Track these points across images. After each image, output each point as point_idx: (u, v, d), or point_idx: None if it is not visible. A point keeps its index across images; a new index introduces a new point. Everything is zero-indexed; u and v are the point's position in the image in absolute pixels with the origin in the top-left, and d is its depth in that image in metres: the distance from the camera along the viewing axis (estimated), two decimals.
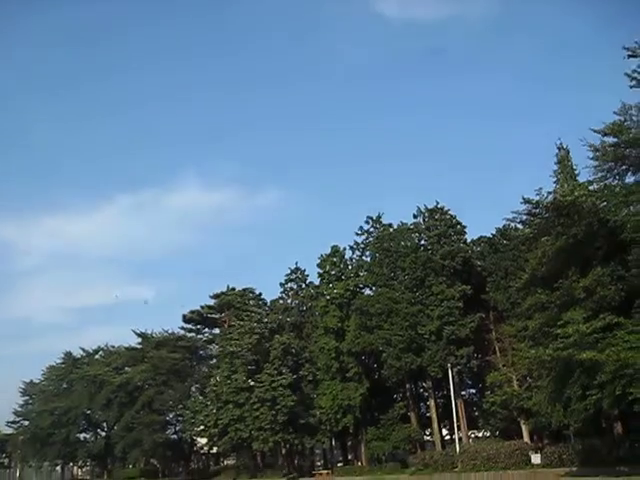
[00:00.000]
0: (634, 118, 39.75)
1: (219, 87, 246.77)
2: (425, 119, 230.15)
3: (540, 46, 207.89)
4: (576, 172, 49.09)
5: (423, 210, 69.67)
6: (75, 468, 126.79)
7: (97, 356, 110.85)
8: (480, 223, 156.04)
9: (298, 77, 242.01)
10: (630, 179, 42.00)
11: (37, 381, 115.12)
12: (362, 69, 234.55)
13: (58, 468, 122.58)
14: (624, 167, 41.44)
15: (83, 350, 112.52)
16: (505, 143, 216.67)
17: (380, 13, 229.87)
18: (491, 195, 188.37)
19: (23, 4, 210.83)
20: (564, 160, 49.29)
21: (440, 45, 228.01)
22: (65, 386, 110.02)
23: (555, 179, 49.15)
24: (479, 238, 70.14)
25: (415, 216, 70.24)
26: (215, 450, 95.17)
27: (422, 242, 69.07)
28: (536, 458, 54.11)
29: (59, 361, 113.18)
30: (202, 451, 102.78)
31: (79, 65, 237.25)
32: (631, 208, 40.56)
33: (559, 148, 49.87)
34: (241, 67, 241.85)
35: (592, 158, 42.20)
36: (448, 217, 68.38)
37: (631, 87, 37.77)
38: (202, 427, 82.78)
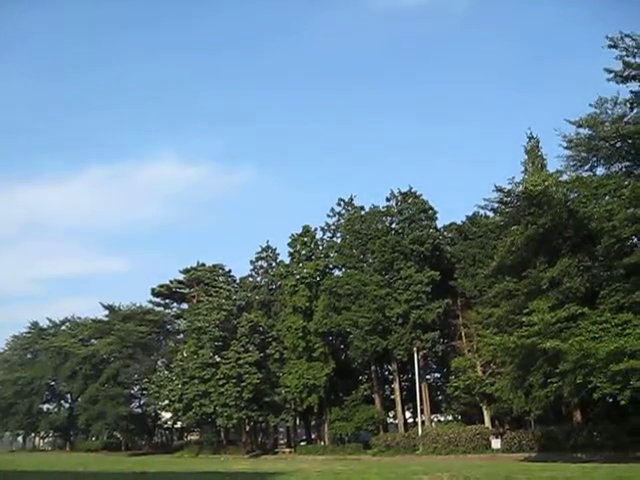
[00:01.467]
0: (609, 112, 40.00)
1: (203, 69, 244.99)
2: (404, 108, 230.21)
3: (519, 39, 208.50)
4: (545, 162, 49.42)
5: (396, 194, 69.83)
6: (37, 439, 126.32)
7: (64, 327, 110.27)
8: (451, 210, 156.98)
9: (284, 66, 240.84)
10: (601, 171, 42.43)
11: (1, 350, 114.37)
12: (343, 57, 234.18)
13: (20, 438, 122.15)
14: (596, 159, 41.78)
15: (50, 321, 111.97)
16: (481, 134, 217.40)
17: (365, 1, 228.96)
18: (463, 184, 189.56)
19: None
20: (534, 150, 49.55)
21: (424, 34, 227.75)
22: (30, 356, 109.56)
23: (524, 169, 49.44)
24: (450, 224, 70.52)
25: (388, 199, 70.43)
26: (179, 425, 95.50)
27: (393, 225, 69.26)
28: (496, 443, 54.90)
29: (24, 331, 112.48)
30: (166, 425, 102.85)
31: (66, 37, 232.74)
32: (600, 200, 40.95)
33: (529, 138, 50.11)
34: (230, 57, 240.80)
35: (566, 148, 42.49)
36: (420, 202, 68.60)
37: (608, 80, 37.96)
38: (167, 402, 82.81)
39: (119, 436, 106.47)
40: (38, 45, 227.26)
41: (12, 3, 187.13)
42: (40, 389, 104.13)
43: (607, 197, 40.51)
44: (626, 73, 37.17)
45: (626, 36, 36.02)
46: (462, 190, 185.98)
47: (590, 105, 40.60)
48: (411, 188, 69.46)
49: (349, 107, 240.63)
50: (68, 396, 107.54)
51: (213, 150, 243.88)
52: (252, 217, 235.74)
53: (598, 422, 48.35)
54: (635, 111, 38.59)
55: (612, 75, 37.78)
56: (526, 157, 50.71)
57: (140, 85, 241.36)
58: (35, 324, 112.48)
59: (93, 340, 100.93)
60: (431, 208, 68.80)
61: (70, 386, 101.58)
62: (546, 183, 41.78)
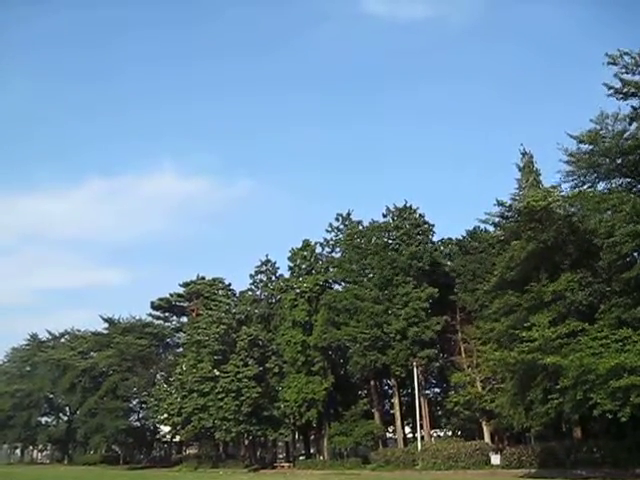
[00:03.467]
0: (610, 127, 40.14)
1: (201, 82, 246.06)
2: (403, 122, 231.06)
3: (521, 51, 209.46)
4: (539, 178, 49.52)
5: (392, 209, 69.89)
6: (35, 452, 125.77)
7: (63, 340, 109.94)
8: (450, 225, 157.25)
9: (282, 75, 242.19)
10: (602, 187, 42.51)
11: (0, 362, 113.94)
12: (342, 69, 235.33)
13: (17, 451, 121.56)
14: (596, 175, 41.89)
15: (49, 333, 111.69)
16: (482, 147, 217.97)
17: (367, 12, 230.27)
18: (463, 198, 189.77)
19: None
20: (528, 166, 49.70)
21: (422, 46, 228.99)
22: (28, 369, 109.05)
23: (518, 185, 49.56)
24: (448, 239, 70.59)
25: (384, 215, 70.50)
26: (178, 439, 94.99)
27: (390, 241, 69.19)
28: (496, 459, 54.66)
29: (24, 343, 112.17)
30: (164, 439, 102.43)
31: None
32: (602, 216, 40.98)
33: (523, 154, 50.27)
34: (229, 69, 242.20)
35: (566, 162, 42.60)
36: (416, 216, 68.64)
37: (608, 96, 38.15)
38: (166, 415, 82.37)
39: (117, 449, 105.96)
40: (38, 55, 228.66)
41: (13, 12, 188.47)
42: (38, 402, 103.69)
43: (608, 213, 40.53)
44: (625, 90, 37.34)
45: (625, 54, 36.24)
46: (462, 204, 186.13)
47: (591, 120, 40.81)
48: (407, 203, 69.55)
49: (348, 118, 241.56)
50: (67, 409, 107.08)
51: (211, 163, 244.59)
52: (252, 230, 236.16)
53: (598, 439, 48.19)
54: (635, 127, 38.70)
55: (612, 91, 37.97)
56: (520, 173, 50.82)
57: (138, 98, 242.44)
58: (34, 336, 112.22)
59: (92, 353, 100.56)
60: (426, 223, 68.82)
61: (69, 399, 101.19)
62: (549, 199, 41.85)
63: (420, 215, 68.69)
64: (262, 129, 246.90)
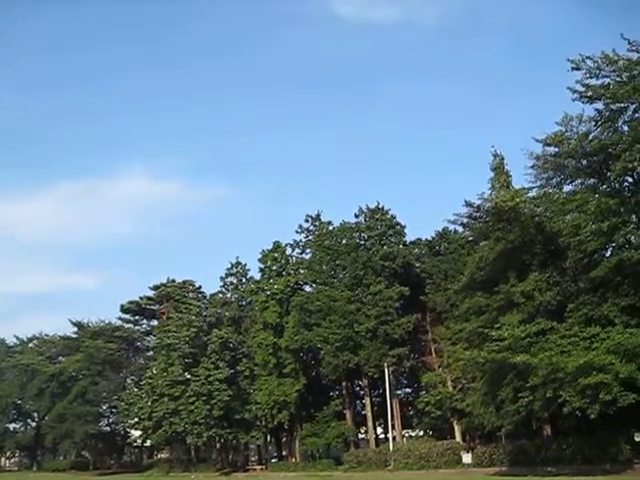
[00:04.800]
0: (574, 129, 40.69)
1: (172, 85, 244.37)
2: (372, 123, 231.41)
3: (493, 51, 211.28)
4: (510, 179, 49.93)
5: (364, 210, 70.08)
6: (2, 459, 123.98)
7: (31, 345, 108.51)
8: (420, 226, 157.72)
9: (252, 78, 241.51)
10: (567, 188, 43.06)
11: None
12: (316, 71, 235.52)
13: None
14: (562, 176, 42.43)
15: (17, 338, 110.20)
16: (451, 147, 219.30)
17: (336, 14, 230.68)
18: (433, 199, 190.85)
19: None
20: (499, 167, 50.06)
21: (393, 47, 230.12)
22: None
23: (491, 185, 49.91)
24: (418, 240, 70.88)
25: (357, 215, 70.61)
26: (149, 443, 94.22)
27: (362, 242, 69.38)
28: (467, 457, 54.99)
29: None
30: (135, 444, 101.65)
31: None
32: (568, 216, 41.58)
33: (494, 155, 50.62)
34: (199, 72, 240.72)
35: (532, 167, 43.12)
36: (388, 217, 68.93)
37: (573, 100, 38.64)
38: (136, 419, 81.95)
39: (87, 455, 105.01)
40: (5, 58, 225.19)
41: None
42: (6, 408, 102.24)
43: (573, 213, 41.10)
44: (589, 94, 37.87)
45: (587, 58, 36.75)
46: (430, 204, 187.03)
47: (556, 123, 41.30)
48: (379, 204, 69.79)
49: (318, 120, 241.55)
50: (35, 414, 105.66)
51: (183, 165, 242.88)
52: (222, 233, 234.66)
53: (568, 436, 48.72)
54: (599, 129, 39.26)
55: (577, 95, 38.48)
56: (492, 174, 51.19)
57: (108, 101, 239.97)
58: (2, 341, 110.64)
59: (61, 357, 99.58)
60: (399, 224, 69.16)
61: (37, 404, 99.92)
62: (517, 200, 42.33)
63: (392, 216, 68.97)
64: (233, 132, 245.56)
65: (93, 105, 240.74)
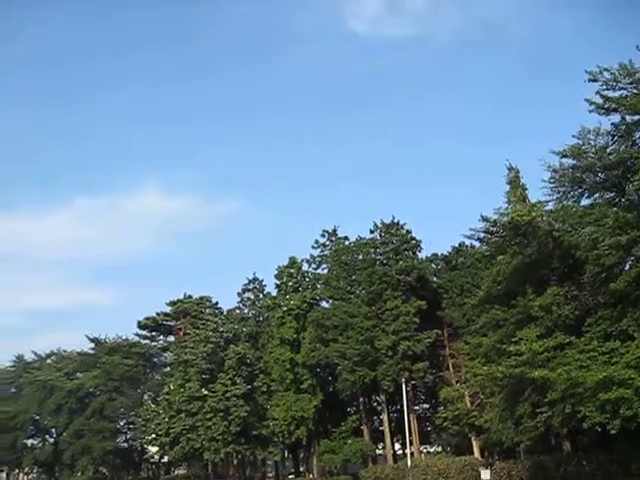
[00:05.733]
0: (592, 142, 40.48)
1: (189, 101, 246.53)
2: (389, 139, 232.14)
3: (509, 66, 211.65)
4: (526, 192, 49.81)
5: (380, 225, 70.18)
6: (21, 475, 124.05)
7: (49, 360, 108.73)
8: (438, 241, 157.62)
9: (268, 94, 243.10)
10: (585, 201, 42.81)
11: None
12: (331, 87, 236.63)
13: (3, 475, 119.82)
14: (580, 190, 42.19)
15: (35, 354, 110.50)
16: (467, 162, 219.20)
17: (351, 30, 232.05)
18: (450, 214, 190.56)
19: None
20: (515, 181, 49.98)
21: (408, 63, 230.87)
22: (14, 390, 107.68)
23: (507, 199, 49.79)
24: (435, 255, 70.87)
25: (372, 231, 70.81)
26: (166, 459, 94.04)
27: (378, 257, 69.40)
28: (486, 474, 54.50)
29: (9, 364, 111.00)
30: (152, 460, 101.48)
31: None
32: (586, 230, 41.34)
33: (509, 169, 50.58)
34: (214, 87, 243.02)
35: (549, 180, 42.89)
36: (404, 232, 69.00)
37: (590, 112, 38.47)
38: (153, 436, 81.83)
39: (105, 471, 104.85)
40: (19, 76, 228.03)
41: None
42: (24, 424, 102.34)
43: (591, 226, 40.87)
44: (606, 105, 37.72)
45: (605, 70, 36.61)
46: (447, 220, 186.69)
47: (573, 136, 41.10)
48: (394, 219, 69.94)
49: (335, 136, 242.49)
50: (53, 430, 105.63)
51: (198, 181, 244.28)
52: (239, 248, 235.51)
53: (587, 452, 48.23)
54: (616, 142, 39.07)
55: (593, 107, 38.33)
56: (508, 188, 51.10)
57: (124, 117, 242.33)
58: (20, 357, 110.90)
59: (79, 373, 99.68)
60: (414, 239, 69.25)
61: (55, 420, 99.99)
62: (533, 214, 42.16)
63: (407, 231, 69.08)
64: (250, 146, 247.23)
65: (110, 120, 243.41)
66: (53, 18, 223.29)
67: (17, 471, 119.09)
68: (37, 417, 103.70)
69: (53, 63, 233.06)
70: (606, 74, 36.48)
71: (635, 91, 36.35)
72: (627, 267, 40.27)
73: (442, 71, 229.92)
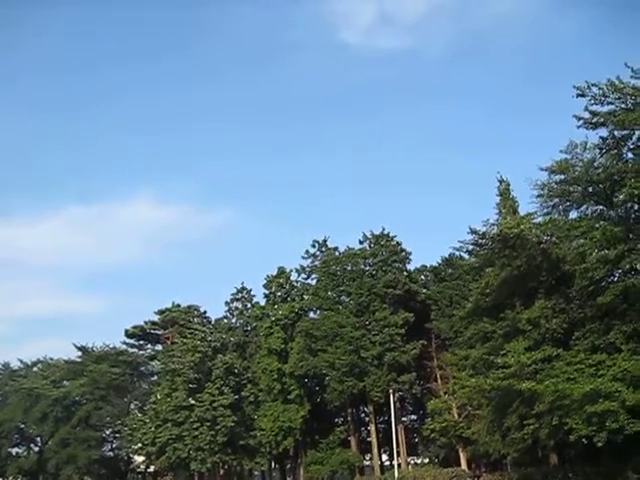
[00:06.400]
0: (579, 156, 40.81)
1: (180, 110, 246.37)
2: (380, 149, 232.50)
3: (499, 78, 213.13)
4: (517, 205, 50.13)
5: (369, 236, 70.33)
6: None
7: (35, 368, 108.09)
8: (428, 253, 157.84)
9: (259, 103, 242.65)
10: (573, 214, 43.09)
11: None
12: (324, 98, 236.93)
13: None
14: (568, 203, 42.48)
15: (21, 362, 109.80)
16: (459, 174, 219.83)
17: (343, 41, 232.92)
18: (441, 226, 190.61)
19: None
20: (505, 193, 50.30)
21: (401, 74, 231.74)
22: None
23: (497, 211, 50.08)
24: (423, 267, 71.10)
25: (361, 242, 70.93)
26: (152, 469, 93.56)
27: (367, 268, 69.51)
28: None
29: None
30: (138, 469, 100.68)
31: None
32: (574, 243, 41.59)
33: (500, 181, 50.90)
34: (206, 97, 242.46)
35: (538, 196, 43.20)
36: (393, 244, 69.16)
37: (578, 127, 38.79)
38: (140, 445, 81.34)
39: None
40: (17, 81, 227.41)
41: None
42: (9, 432, 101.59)
43: (579, 239, 41.12)
44: (594, 120, 38.04)
45: (593, 85, 36.94)
46: (438, 232, 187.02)
47: (561, 151, 41.44)
48: (384, 230, 70.11)
49: (326, 146, 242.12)
50: (38, 439, 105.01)
51: (190, 191, 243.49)
52: (228, 258, 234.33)
53: (574, 464, 48.34)
54: (604, 156, 39.38)
55: (581, 122, 38.64)
56: (498, 200, 51.41)
57: (117, 126, 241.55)
58: (6, 365, 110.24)
59: (65, 382, 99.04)
60: (403, 250, 69.40)
61: (40, 429, 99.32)
62: (521, 226, 42.38)
63: (397, 242, 69.23)
64: (241, 157, 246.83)
65: (101, 128, 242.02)
66: (53, 20, 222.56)
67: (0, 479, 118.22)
68: (22, 425, 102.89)
69: (51, 70, 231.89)
70: (594, 89, 36.82)
71: (623, 106, 36.68)
72: (614, 280, 40.56)
73: (435, 82, 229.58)
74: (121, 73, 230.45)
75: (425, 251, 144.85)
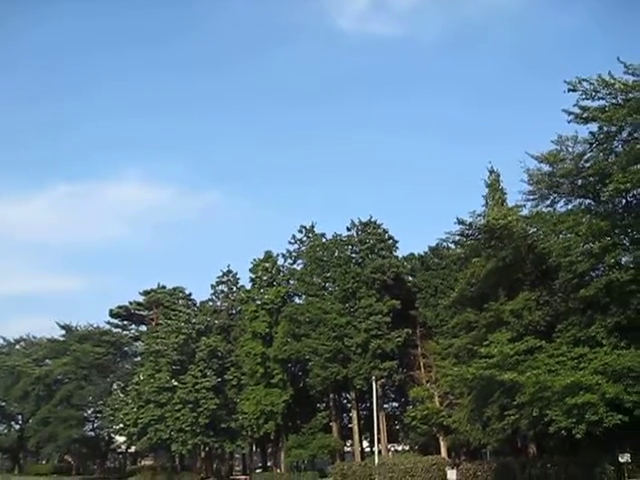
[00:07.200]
0: (569, 149, 40.94)
1: (171, 92, 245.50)
2: (370, 136, 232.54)
3: (491, 67, 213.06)
4: (505, 196, 50.24)
5: (357, 223, 70.39)
6: None
7: (18, 346, 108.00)
8: (417, 242, 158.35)
9: (251, 88, 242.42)
10: (561, 208, 43.26)
11: None
12: (315, 84, 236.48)
13: None
14: (556, 195, 42.65)
15: (3, 339, 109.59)
16: (450, 162, 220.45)
17: (337, 28, 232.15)
18: (430, 215, 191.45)
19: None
20: (494, 184, 50.36)
21: (393, 61, 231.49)
22: None
23: (485, 202, 50.18)
24: (410, 255, 71.16)
25: (349, 229, 70.99)
26: (133, 449, 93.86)
27: (354, 255, 69.61)
28: (452, 474, 54.82)
29: None
30: (119, 450, 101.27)
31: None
32: (560, 236, 41.80)
33: (490, 172, 50.94)
34: (200, 80, 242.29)
35: (527, 182, 43.30)
36: (380, 231, 69.25)
37: (569, 122, 38.85)
38: (121, 425, 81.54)
39: (70, 460, 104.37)
40: (15, 67, 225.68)
41: None
42: None
43: (565, 233, 41.34)
44: (585, 115, 38.12)
45: (583, 80, 36.98)
46: (428, 221, 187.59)
47: (552, 142, 41.55)
48: (371, 218, 70.24)
49: (315, 131, 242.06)
50: (19, 417, 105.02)
51: (178, 172, 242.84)
52: (215, 240, 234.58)
53: (553, 455, 48.74)
54: (593, 151, 39.52)
55: (572, 117, 38.71)
56: (487, 190, 51.47)
57: (104, 105, 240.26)
58: None
59: (47, 360, 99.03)
60: (391, 238, 69.59)
61: (21, 407, 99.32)
62: (508, 218, 42.55)
63: (384, 230, 69.35)
64: (230, 140, 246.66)
65: (90, 109, 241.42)
66: (50, 9, 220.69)
67: None
68: (3, 403, 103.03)
69: (47, 54, 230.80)
70: (585, 84, 36.87)
71: (614, 101, 36.77)
72: (598, 274, 40.82)
73: (427, 70, 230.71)
74: (117, 56, 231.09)
75: (412, 240, 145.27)
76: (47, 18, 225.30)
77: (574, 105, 37.52)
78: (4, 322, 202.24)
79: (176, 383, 75.88)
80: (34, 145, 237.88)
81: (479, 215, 46.41)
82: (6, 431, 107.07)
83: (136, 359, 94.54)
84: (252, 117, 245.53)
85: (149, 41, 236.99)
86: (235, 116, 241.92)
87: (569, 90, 37.24)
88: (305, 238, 75.66)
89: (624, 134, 37.56)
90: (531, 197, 44.02)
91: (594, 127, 38.29)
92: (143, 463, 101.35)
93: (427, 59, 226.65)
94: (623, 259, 38.88)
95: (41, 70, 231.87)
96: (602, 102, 37.14)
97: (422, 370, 63.99)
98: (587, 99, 37.47)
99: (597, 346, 38.30)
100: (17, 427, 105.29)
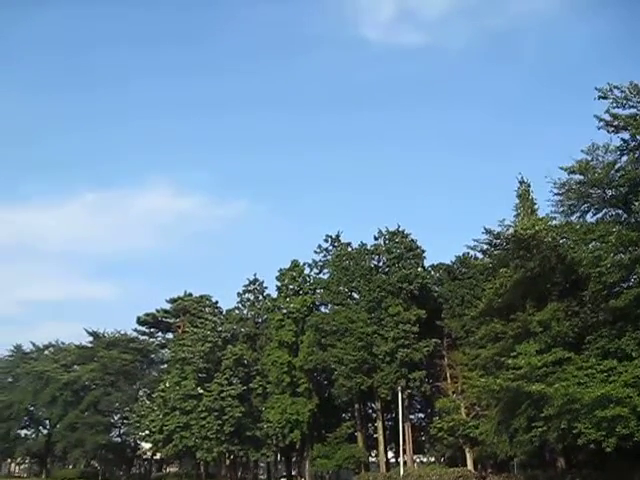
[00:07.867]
0: (600, 158, 40.39)
1: (200, 100, 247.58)
2: (399, 146, 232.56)
3: (520, 78, 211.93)
4: (536, 207, 49.84)
5: (384, 232, 70.14)
6: (13, 465, 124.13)
7: (47, 352, 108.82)
8: (441, 250, 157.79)
9: (279, 96, 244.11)
10: (591, 218, 42.71)
11: None
12: (342, 92, 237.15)
13: None
14: (586, 205, 42.11)
15: (33, 345, 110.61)
16: (476, 174, 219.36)
17: (363, 38, 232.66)
18: (459, 226, 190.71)
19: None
20: (525, 194, 50.01)
21: (419, 72, 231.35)
22: (10, 380, 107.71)
23: (515, 213, 49.81)
24: (438, 264, 70.73)
25: (376, 238, 70.70)
26: (158, 456, 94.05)
27: (380, 264, 69.39)
28: None
29: (7, 354, 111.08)
30: (145, 456, 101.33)
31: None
32: (590, 246, 41.22)
33: (520, 182, 50.61)
34: (226, 88, 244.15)
35: (557, 194, 42.82)
36: (408, 241, 68.89)
37: (599, 128, 38.41)
38: (147, 432, 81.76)
39: (97, 465, 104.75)
40: (32, 63, 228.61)
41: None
42: (19, 414, 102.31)
43: (595, 243, 40.76)
44: (616, 123, 37.65)
45: (615, 87, 36.56)
46: (453, 229, 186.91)
47: (582, 151, 41.03)
48: (399, 227, 69.93)
49: (344, 141, 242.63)
50: (47, 422, 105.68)
51: (206, 181, 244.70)
52: (241, 249, 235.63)
53: (581, 469, 48.02)
54: (625, 159, 38.98)
55: (602, 124, 38.25)
56: (517, 201, 51.16)
57: (136, 113, 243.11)
58: (18, 347, 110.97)
59: (76, 366, 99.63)
60: (418, 247, 69.11)
61: (49, 412, 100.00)
62: (536, 228, 42.09)
63: (412, 240, 68.95)
64: (259, 149, 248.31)
65: (120, 115, 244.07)
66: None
67: (9, 461, 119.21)
68: (32, 408, 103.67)
69: (70, 52, 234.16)
70: (616, 92, 36.44)
71: None
72: (629, 285, 40.18)
73: (453, 81, 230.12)
74: (150, 57, 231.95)
75: (439, 251, 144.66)
76: (81, 17, 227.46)
77: (605, 112, 37.11)
78: (33, 327, 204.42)
79: (202, 391, 76.03)
80: (61, 151, 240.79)
81: (507, 225, 46.04)
82: (34, 436, 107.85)
83: (162, 366, 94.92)
84: (279, 125, 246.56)
85: (178, 41, 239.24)
86: (263, 124, 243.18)
87: (600, 97, 36.86)
88: (331, 247, 75.68)
89: None
90: (560, 207, 43.56)
91: (626, 135, 37.82)
92: (168, 470, 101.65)
93: (453, 69, 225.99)
94: None
95: (64, 68, 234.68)
96: (633, 110, 36.69)
97: (448, 381, 63.49)
98: (618, 107, 37.04)
99: (626, 359, 37.70)
100: (45, 432, 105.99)
